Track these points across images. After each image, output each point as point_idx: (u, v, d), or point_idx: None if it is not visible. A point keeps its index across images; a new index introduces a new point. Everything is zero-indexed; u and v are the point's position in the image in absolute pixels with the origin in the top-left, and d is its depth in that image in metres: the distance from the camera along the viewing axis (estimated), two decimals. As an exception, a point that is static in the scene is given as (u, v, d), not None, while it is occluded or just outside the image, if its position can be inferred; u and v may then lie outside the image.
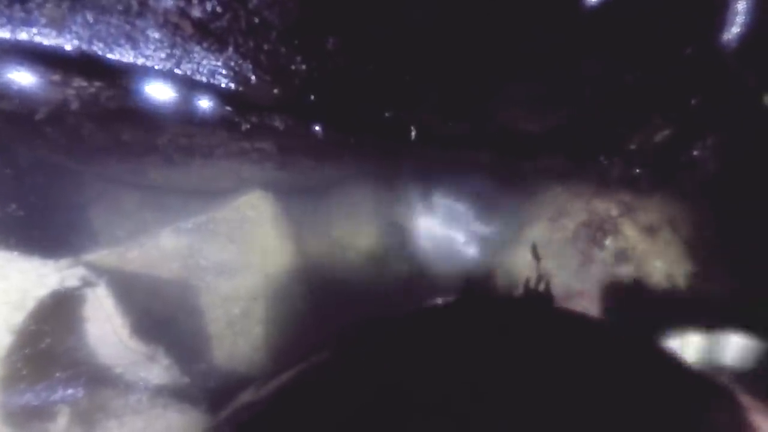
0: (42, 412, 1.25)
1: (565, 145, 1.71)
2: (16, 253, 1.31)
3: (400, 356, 1.00)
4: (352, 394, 0.92)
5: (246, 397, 1.59)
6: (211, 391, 1.82)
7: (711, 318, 1.70)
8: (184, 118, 1.65)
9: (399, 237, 2.83)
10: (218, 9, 1.05)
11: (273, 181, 2.39)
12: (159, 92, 1.48)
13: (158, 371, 1.62)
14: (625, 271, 1.84)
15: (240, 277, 2.32)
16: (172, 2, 1.07)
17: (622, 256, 1.87)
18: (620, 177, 1.95)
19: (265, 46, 1.19)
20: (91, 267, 1.37)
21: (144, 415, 1.46)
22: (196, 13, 1.06)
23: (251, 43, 1.18)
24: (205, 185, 2.41)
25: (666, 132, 1.56)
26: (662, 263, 1.82)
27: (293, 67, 1.26)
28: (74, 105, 1.50)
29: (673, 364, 1.10)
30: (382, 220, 2.86)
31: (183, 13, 1.06)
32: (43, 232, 1.90)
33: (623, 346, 1.11)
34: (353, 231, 2.85)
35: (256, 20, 1.11)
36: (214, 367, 2.04)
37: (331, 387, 0.98)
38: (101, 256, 1.85)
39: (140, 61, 1.31)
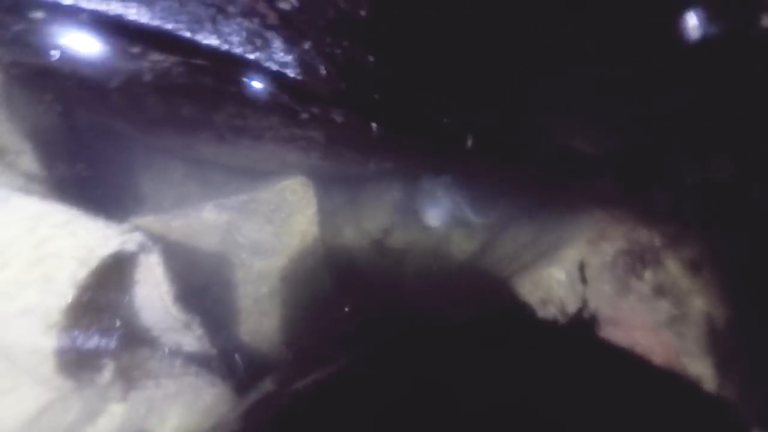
0: (90, 364, 1.34)
1: (618, 171, 1.68)
2: (82, 211, 1.40)
3: (438, 368, 1.01)
4: (386, 400, 0.93)
5: (267, 385, 1.63)
6: (235, 368, 1.88)
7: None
8: (243, 100, 1.70)
9: (427, 240, 2.84)
10: (305, 3, 1.08)
11: (315, 168, 2.42)
12: (227, 74, 1.52)
13: (191, 340, 1.69)
14: (663, 305, 1.79)
15: (273, 258, 2.37)
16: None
17: (661, 289, 1.83)
18: (667, 208, 1.90)
19: (342, 42, 1.22)
20: (147, 233, 1.44)
21: (177, 380, 1.54)
22: (283, 5, 1.09)
23: (329, 39, 1.21)
24: (251, 165, 2.47)
25: (727, 172, 1.51)
26: (703, 303, 1.77)
27: (364, 65, 1.28)
28: (147, 77, 1.56)
29: (708, 400, 1.08)
30: (412, 220, 2.87)
31: (271, 3, 1.10)
32: (103, 194, 2.00)
33: (658, 383, 1.10)
34: (383, 226, 2.88)
35: (338, 16, 1.14)
36: (238, 342, 2.11)
37: (364, 390, 1.00)
38: (148, 222, 1.93)
39: (216, 42, 1.36)
